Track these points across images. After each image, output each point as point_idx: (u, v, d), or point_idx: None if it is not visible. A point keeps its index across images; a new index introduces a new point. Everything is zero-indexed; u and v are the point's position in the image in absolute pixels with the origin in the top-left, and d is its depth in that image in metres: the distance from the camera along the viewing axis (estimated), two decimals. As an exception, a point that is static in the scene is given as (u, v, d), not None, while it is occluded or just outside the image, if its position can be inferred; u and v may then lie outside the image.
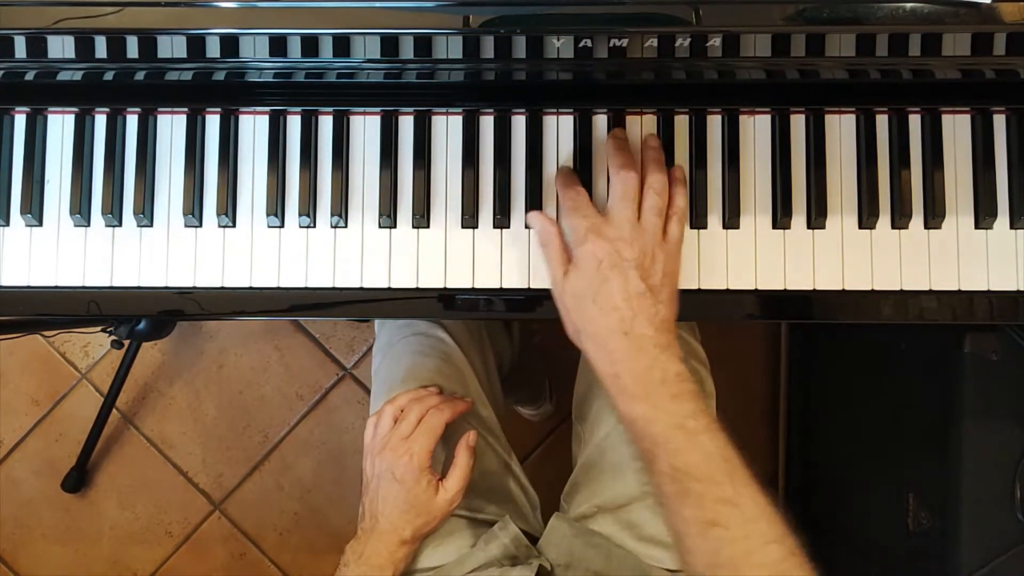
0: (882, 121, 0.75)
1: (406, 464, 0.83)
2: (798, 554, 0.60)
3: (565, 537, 0.87)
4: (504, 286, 0.75)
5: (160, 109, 0.76)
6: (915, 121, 0.75)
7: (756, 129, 0.76)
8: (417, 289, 0.75)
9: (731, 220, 0.75)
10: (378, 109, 0.76)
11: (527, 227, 0.75)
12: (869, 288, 0.74)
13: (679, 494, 0.62)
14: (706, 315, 0.77)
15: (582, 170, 0.75)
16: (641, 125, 0.76)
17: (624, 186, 0.68)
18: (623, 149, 0.72)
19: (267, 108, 0.76)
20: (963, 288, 0.74)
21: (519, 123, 0.76)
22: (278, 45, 0.66)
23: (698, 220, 0.75)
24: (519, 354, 1.28)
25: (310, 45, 0.66)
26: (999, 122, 0.75)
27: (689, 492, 0.61)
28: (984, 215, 0.74)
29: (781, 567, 0.59)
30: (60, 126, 0.77)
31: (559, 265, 0.70)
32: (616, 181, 0.69)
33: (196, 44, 0.66)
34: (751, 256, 0.75)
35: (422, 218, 0.75)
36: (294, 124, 0.76)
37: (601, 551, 0.85)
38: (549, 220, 0.72)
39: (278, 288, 0.76)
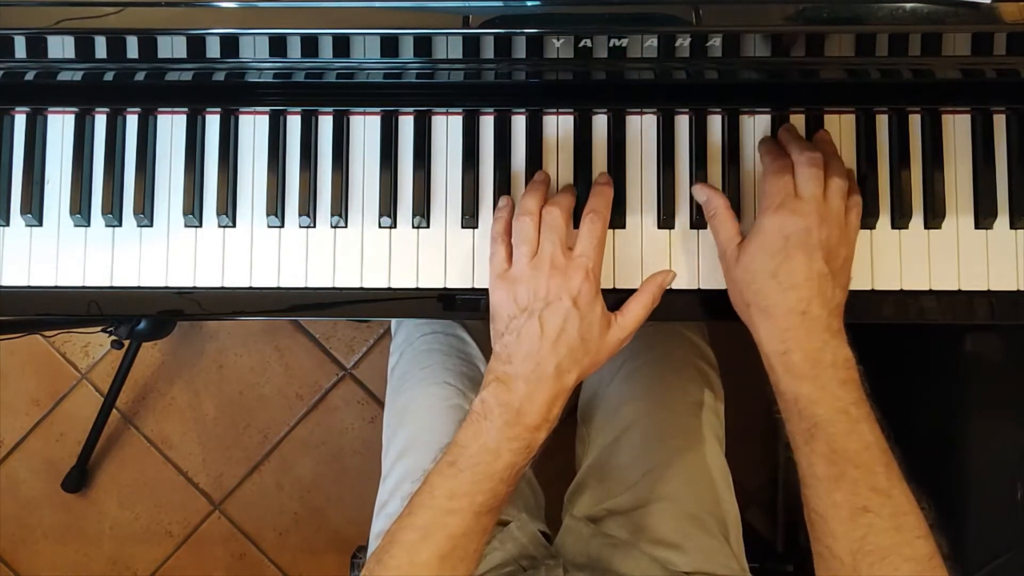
0: (882, 121, 0.75)
1: (580, 283, 0.66)
2: (940, 554, 0.61)
3: (582, 537, 0.86)
4: (504, 286, 0.75)
5: (160, 109, 0.76)
6: (915, 121, 0.75)
7: (756, 129, 0.76)
8: (417, 289, 0.75)
9: (731, 220, 0.74)
10: (378, 109, 0.76)
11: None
12: (869, 288, 0.74)
13: (834, 477, 0.62)
14: (707, 315, 0.77)
15: (581, 170, 0.75)
16: (641, 125, 0.76)
17: (814, 168, 0.67)
18: (802, 137, 0.72)
19: (267, 108, 0.76)
20: (963, 288, 0.74)
21: (519, 123, 0.76)
22: (278, 45, 0.66)
23: (699, 221, 0.74)
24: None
25: (310, 45, 0.66)
26: (999, 122, 0.75)
27: (845, 476, 0.61)
28: (984, 215, 0.74)
29: (929, 563, 0.60)
30: (60, 126, 0.77)
31: (733, 234, 0.69)
32: (803, 163, 0.67)
33: (196, 44, 0.66)
34: (751, 256, 0.74)
35: (422, 218, 0.75)
36: (294, 124, 0.76)
37: (618, 551, 0.84)
38: (716, 190, 0.72)
39: (278, 288, 0.76)
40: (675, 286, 0.73)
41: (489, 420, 0.65)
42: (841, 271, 0.66)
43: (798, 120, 0.75)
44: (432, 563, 0.62)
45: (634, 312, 0.69)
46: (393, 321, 1.06)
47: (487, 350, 0.95)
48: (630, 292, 0.71)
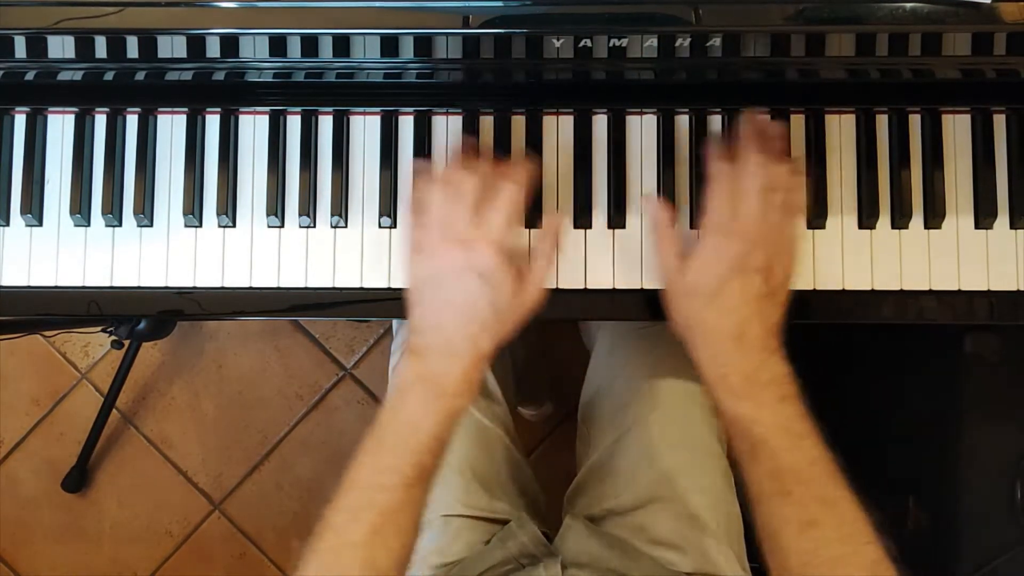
0: (882, 121, 0.75)
1: (488, 253, 0.64)
2: (888, 557, 0.61)
3: (582, 536, 0.86)
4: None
5: (160, 109, 0.76)
6: (915, 121, 0.75)
7: (756, 129, 0.75)
8: (417, 289, 0.75)
9: (731, 220, 0.74)
10: (378, 109, 0.76)
11: (527, 227, 0.74)
12: (869, 288, 0.74)
13: (779, 493, 0.62)
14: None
15: (581, 171, 0.75)
16: (641, 125, 0.76)
17: (755, 180, 0.65)
18: (760, 136, 0.69)
19: (267, 108, 0.76)
20: (963, 288, 0.74)
21: (519, 123, 0.76)
22: (278, 45, 0.66)
23: (698, 221, 0.74)
24: (529, 354, 1.27)
25: (310, 45, 0.66)
26: (999, 122, 0.75)
27: (790, 493, 0.62)
28: (984, 215, 0.74)
29: (877, 569, 0.60)
30: (60, 126, 0.77)
31: (674, 256, 0.68)
32: (748, 173, 0.66)
33: (196, 44, 0.66)
34: (751, 256, 0.74)
35: (422, 218, 0.75)
36: (294, 124, 0.76)
37: (619, 551, 0.84)
38: (665, 204, 0.71)
39: (278, 288, 0.76)
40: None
41: (409, 393, 0.64)
42: (780, 288, 0.66)
43: (798, 120, 0.75)
44: (364, 540, 0.61)
45: (540, 266, 0.68)
46: (395, 321, 1.06)
47: None
48: (632, 292, 0.71)
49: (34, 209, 0.76)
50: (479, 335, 0.65)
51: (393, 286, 0.75)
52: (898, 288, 0.74)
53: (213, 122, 0.76)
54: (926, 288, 0.74)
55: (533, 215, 0.74)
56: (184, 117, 0.76)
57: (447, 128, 0.76)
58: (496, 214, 0.65)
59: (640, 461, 0.89)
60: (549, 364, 1.56)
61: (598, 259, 0.75)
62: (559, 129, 0.76)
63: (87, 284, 0.76)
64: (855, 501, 0.62)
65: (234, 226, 0.76)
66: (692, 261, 0.67)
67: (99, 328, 1.31)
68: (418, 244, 0.67)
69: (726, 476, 0.90)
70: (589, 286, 0.74)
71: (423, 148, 0.75)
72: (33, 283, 0.76)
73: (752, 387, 0.64)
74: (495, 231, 0.65)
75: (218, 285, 0.76)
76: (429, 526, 0.88)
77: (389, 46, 0.66)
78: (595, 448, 0.95)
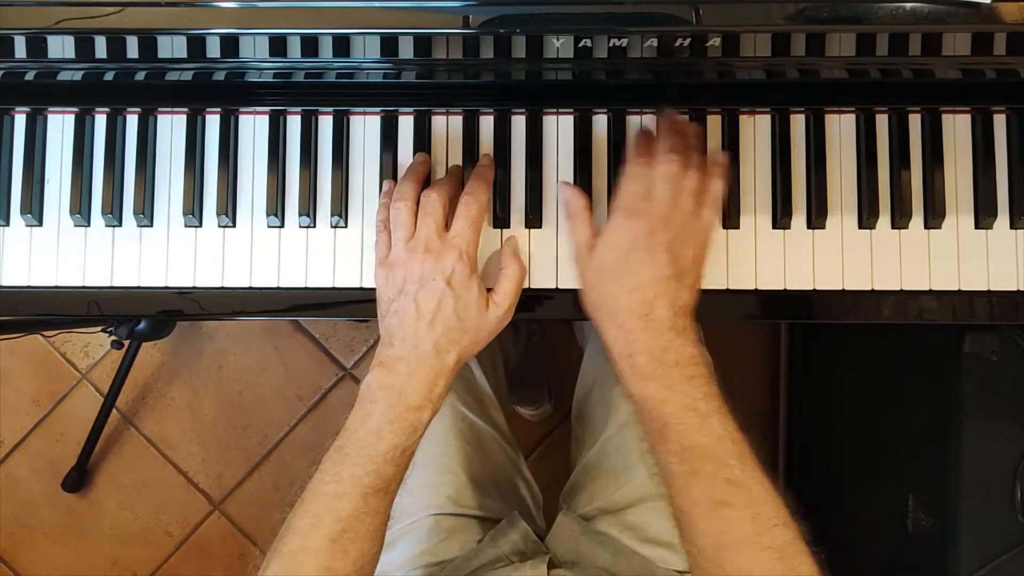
0: (882, 121, 0.75)
1: (454, 263, 0.67)
2: (802, 539, 0.61)
3: (573, 534, 0.87)
4: (504, 286, 0.75)
5: (160, 109, 0.76)
6: (915, 121, 0.75)
7: (756, 129, 0.76)
8: (417, 289, 0.75)
9: (731, 220, 0.75)
10: (378, 109, 0.76)
11: (528, 227, 0.75)
12: (869, 288, 0.74)
13: (688, 474, 0.62)
14: (706, 315, 0.76)
15: (582, 170, 0.75)
16: (641, 125, 0.76)
17: (668, 166, 0.67)
18: (675, 132, 0.71)
19: (267, 108, 0.76)
20: (963, 288, 0.74)
21: (519, 123, 0.76)
22: (278, 45, 0.66)
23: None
24: (523, 354, 1.28)
25: (310, 45, 0.66)
26: (999, 122, 0.75)
27: (698, 473, 0.62)
28: (984, 215, 0.74)
29: (787, 550, 0.59)
30: (60, 126, 0.77)
31: (587, 237, 0.69)
32: (661, 161, 0.68)
33: (196, 44, 0.66)
34: (751, 256, 0.75)
35: (422, 218, 0.75)
36: (294, 124, 0.76)
37: (608, 549, 0.85)
38: (579, 190, 0.72)
39: (278, 288, 0.76)
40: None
41: (373, 403, 0.66)
42: (689, 271, 0.67)
43: (798, 120, 0.75)
44: (323, 546, 0.63)
45: (505, 287, 0.70)
46: None
47: None
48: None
49: (34, 209, 0.76)
50: (444, 346, 0.66)
51: (393, 286, 0.75)
52: (898, 288, 0.74)
53: (213, 122, 0.76)
54: (926, 288, 0.74)
55: (532, 218, 0.74)
56: (184, 117, 0.76)
57: (447, 128, 0.76)
58: (463, 224, 0.68)
59: (631, 460, 0.89)
60: (545, 363, 1.56)
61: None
62: (559, 129, 0.76)
63: (87, 284, 0.76)
64: (767, 483, 0.62)
65: (234, 226, 0.76)
66: (600, 239, 0.68)
67: (99, 328, 1.31)
68: (385, 257, 0.70)
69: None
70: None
71: (423, 148, 0.76)
72: (33, 283, 0.76)
73: (659, 367, 0.64)
74: (461, 241, 0.67)
75: (218, 285, 0.76)
76: (420, 526, 0.88)
77: (389, 46, 0.66)
78: (588, 447, 0.95)
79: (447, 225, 0.68)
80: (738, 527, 0.60)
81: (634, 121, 0.76)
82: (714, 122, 0.75)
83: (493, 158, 0.74)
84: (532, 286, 0.74)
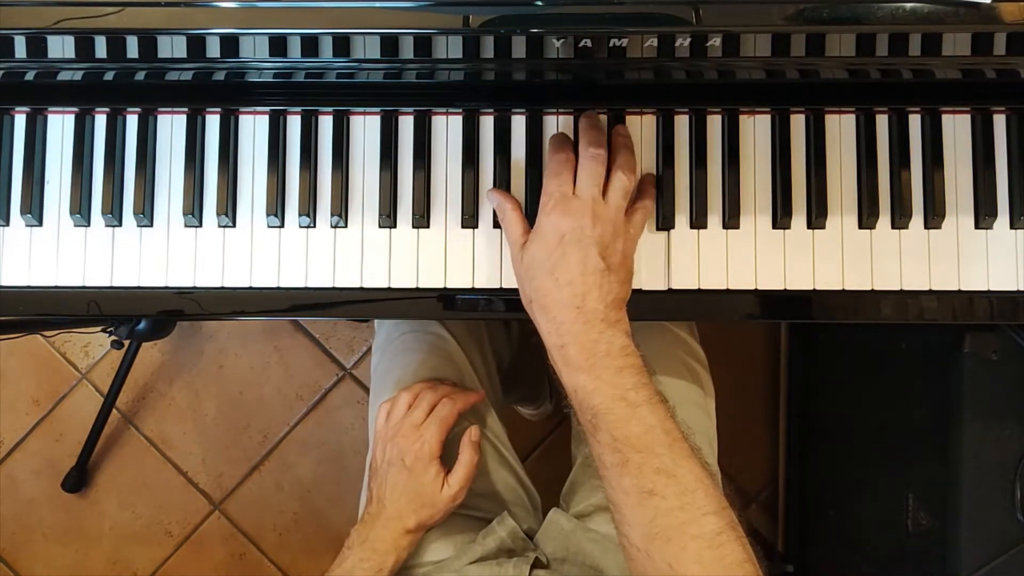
0: (882, 121, 0.75)
1: (416, 452, 0.83)
2: (735, 528, 0.61)
3: (562, 531, 0.87)
4: (504, 286, 0.75)
5: (160, 109, 0.76)
6: (915, 121, 0.75)
7: (756, 129, 0.76)
8: (417, 289, 0.75)
9: (731, 220, 0.75)
10: (378, 109, 0.76)
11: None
12: (869, 288, 0.74)
13: (619, 464, 0.63)
14: (706, 315, 0.77)
15: (582, 170, 0.75)
16: (641, 125, 0.76)
17: (594, 164, 0.69)
18: (596, 129, 0.72)
19: (267, 108, 0.76)
20: (963, 288, 0.74)
21: (519, 123, 0.76)
22: (278, 45, 0.66)
23: (698, 220, 0.75)
24: (518, 354, 1.27)
25: (310, 45, 0.66)
26: (999, 122, 0.75)
27: (628, 462, 0.62)
28: (984, 215, 0.74)
29: (716, 539, 0.60)
30: (60, 126, 0.77)
31: (519, 235, 0.71)
32: (586, 158, 0.70)
33: (196, 44, 0.66)
34: (751, 256, 0.75)
35: (422, 218, 0.75)
36: (294, 124, 0.76)
37: (598, 546, 0.85)
38: (505, 194, 0.74)
39: (278, 288, 0.76)
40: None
41: (349, 549, 0.84)
42: (620, 266, 0.68)
43: (798, 120, 0.75)
44: None
45: (458, 473, 0.85)
46: (375, 321, 1.07)
47: (467, 347, 0.97)
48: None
49: (34, 209, 0.76)
50: (405, 512, 0.83)
51: (393, 286, 0.75)
52: (898, 288, 0.74)
53: (213, 122, 0.76)
54: (926, 288, 0.74)
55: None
56: (184, 117, 0.76)
57: (447, 128, 0.76)
58: (431, 426, 0.84)
59: None
60: (543, 361, 1.56)
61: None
62: (559, 129, 0.76)
63: (87, 284, 0.76)
64: (698, 471, 0.62)
65: (234, 226, 0.76)
66: (534, 237, 0.69)
67: (99, 328, 1.30)
68: (378, 433, 0.88)
69: (716, 477, 0.91)
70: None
71: (423, 148, 0.76)
72: (33, 283, 0.76)
73: (590, 358, 0.65)
74: (431, 437, 0.84)
75: (218, 285, 0.76)
76: None
77: (389, 46, 0.66)
78: (586, 445, 0.95)
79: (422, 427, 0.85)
80: (666, 516, 0.61)
81: (634, 121, 0.76)
82: (714, 122, 0.75)
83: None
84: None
